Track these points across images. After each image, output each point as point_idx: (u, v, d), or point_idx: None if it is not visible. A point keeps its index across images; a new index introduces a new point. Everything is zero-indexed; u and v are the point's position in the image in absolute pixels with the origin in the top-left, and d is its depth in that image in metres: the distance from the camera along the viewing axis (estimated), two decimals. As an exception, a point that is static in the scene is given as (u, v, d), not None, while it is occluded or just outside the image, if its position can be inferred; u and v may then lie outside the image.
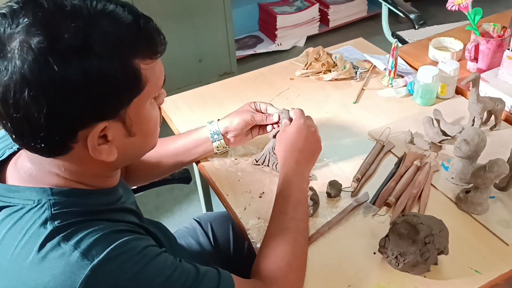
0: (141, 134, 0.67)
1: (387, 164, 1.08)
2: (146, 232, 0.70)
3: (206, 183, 1.46)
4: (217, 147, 1.02)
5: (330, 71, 1.38)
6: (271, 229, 0.81)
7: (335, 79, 1.37)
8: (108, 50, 0.57)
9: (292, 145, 0.89)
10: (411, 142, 1.12)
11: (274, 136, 1.03)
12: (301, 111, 0.95)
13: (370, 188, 1.00)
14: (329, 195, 0.98)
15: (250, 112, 1.01)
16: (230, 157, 1.09)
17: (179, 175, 1.26)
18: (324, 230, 0.91)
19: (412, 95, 1.30)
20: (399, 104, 1.28)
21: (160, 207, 2.09)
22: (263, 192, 1.00)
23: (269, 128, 1.04)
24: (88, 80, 0.57)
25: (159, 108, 0.71)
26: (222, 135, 1.01)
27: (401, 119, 1.21)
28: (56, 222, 0.61)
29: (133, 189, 1.19)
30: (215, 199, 1.19)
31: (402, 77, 1.34)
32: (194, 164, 1.17)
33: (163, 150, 1.03)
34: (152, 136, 0.70)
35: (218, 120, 1.03)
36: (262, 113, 1.02)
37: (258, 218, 0.93)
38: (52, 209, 0.62)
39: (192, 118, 1.24)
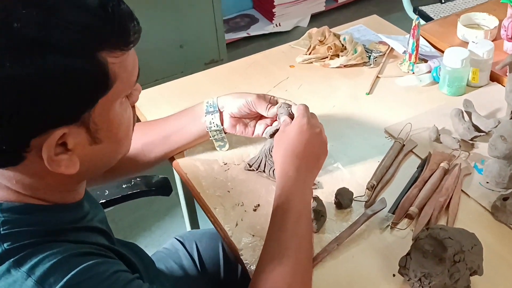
0: (109, 141, 0.66)
1: (408, 167, 1.08)
2: (116, 255, 0.70)
3: (190, 195, 1.45)
4: (210, 122, 1.04)
5: (338, 56, 1.39)
6: (268, 249, 0.81)
7: (344, 66, 1.37)
8: (68, 43, 0.57)
9: (293, 148, 0.89)
10: (437, 140, 1.13)
11: (272, 136, 1.03)
12: (306, 107, 0.96)
13: (388, 197, 1.00)
14: (338, 206, 0.99)
15: (257, 97, 1.02)
16: (218, 161, 1.09)
17: (158, 184, 1.27)
18: (332, 248, 0.91)
19: (437, 83, 1.30)
20: (421, 94, 1.28)
21: (136, 224, 2.09)
22: (258, 205, 1.00)
23: (259, 129, 1.06)
24: (42, 79, 0.56)
25: (133, 107, 0.71)
26: (218, 110, 1.03)
27: (424, 113, 1.22)
28: (5, 244, 0.61)
29: (103, 203, 1.19)
30: (201, 214, 1.19)
31: (426, 61, 1.35)
32: (175, 173, 1.17)
33: (151, 132, 1.05)
34: (123, 142, 0.70)
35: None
36: (270, 104, 1.04)
37: (253, 235, 0.94)
38: (1, 229, 0.62)
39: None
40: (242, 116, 1.05)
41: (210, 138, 1.07)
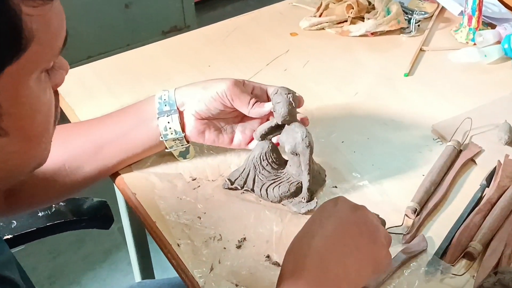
0: (17, 134, 0.66)
1: (468, 183, 1.08)
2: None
3: (141, 228, 1.45)
4: (166, 128, 1.04)
5: (362, 19, 1.39)
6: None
7: (372, 34, 1.38)
8: None
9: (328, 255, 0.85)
10: (510, 143, 1.13)
11: (264, 138, 1.03)
12: (347, 201, 0.89)
13: (438, 227, 1.00)
14: (364, 240, 0.99)
15: (233, 85, 1.02)
16: (183, 176, 1.09)
17: (92, 211, 1.26)
18: None
19: (510, 59, 1.31)
20: (487, 75, 1.29)
21: (59, 274, 2.07)
22: (244, 239, 1.00)
23: (241, 137, 1.06)
24: None
25: (56, 93, 0.71)
26: (177, 109, 1.04)
27: (491, 103, 1.22)
28: None
29: (8, 239, 1.18)
30: (157, 256, 1.18)
31: (493, 27, 1.36)
32: (119, 193, 1.16)
33: (78, 140, 1.04)
34: (39, 140, 0.69)
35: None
36: (255, 98, 1.03)
37: (236, 285, 0.93)
38: None
39: (112, 107, 1.23)
40: (214, 117, 1.04)
41: (167, 150, 1.07)
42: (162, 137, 1.04)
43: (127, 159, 1.07)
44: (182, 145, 1.07)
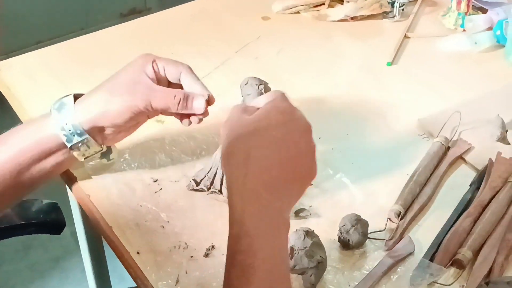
0: None
1: (456, 183, 1.09)
2: None
3: (97, 232, 1.44)
4: (84, 154, 1.02)
5: (341, 2, 1.39)
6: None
7: (352, 18, 1.38)
8: None
9: (264, 149, 0.88)
10: (503, 139, 1.14)
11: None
12: (282, 93, 0.94)
13: (424, 232, 1.01)
14: (344, 245, 0.98)
15: (143, 86, 1.00)
16: (143, 177, 1.08)
17: (41, 215, 1.25)
18: None
19: (503, 46, 1.32)
20: (477, 65, 1.29)
21: (4, 285, 2.06)
22: (213, 247, 0.99)
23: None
24: None
25: None
26: (88, 132, 1.00)
27: (482, 96, 1.23)
28: None
29: None
30: (114, 263, 1.17)
31: (484, 11, 1.37)
32: (71, 196, 1.15)
33: None
34: None
35: (75, 96, 1.01)
36: (171, 85, 1.02)
37: (205, 297, 0.93)
38: None
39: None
40: (129, 125, 1.02)
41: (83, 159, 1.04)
42: (82, 158, 1.03)
43: (35, 184, 1.04)
44: (92, 149, 1.04)
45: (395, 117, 1.20)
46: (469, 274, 0.95)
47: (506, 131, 1.14)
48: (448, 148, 1.13)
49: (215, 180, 1.05)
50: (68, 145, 1.00)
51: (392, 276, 0.95)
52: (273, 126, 0.87)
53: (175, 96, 0.99)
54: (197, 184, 1.06)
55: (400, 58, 1.31)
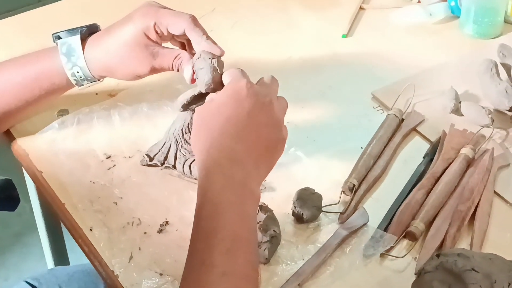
0: None
1: (409, 156, 1.10)
2: None
3: (53, 212, 1.43)
4: (79, 78, 1.07)
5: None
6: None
7: (307, -10, 1.38)
8: None
9: (225, 128, 0.89)
10: (456, 111, 1.15)
11: (186, 108, 1.03)
12: (239, 70, 0.96)
13: (377, 204, 1.02)
14: (298, 219, 0.99)
15: (146, 52, 1.03)
16: (96, 153, 1.08)
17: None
18: None
19: (457, 18, 1.33)
20: (431, 37, 1.30)
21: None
22: (167, 222, 1.00)
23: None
24: None
25: None
26: (90, 73, 1.06)
27: (436, 67, 1.24)
28: None
29: None
30: (72, 240, 1.17)
31: (439, -17, 1.37)
32: (26, 174, 1.14)
33: None
34: None
35: (82, 33, 1.05)
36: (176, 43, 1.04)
37: (160, 274, 0.93)
38: None
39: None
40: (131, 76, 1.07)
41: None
42: (74, 81, 1.07)
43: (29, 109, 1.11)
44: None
45: (349, 90, 1.21)
46: (422, 246, 0.97)
47: (460, 102, 1.15)
48: (402, 120, 1.14)
49: (169, 155, 1.06)
50: (79, 88, 1.08)
51: (345, 248, 0.96)
52: (234, 104, 0.89)
53: (178, 58, 1.04)
54: (151, 159, 1.06)
55: (355, 30, 1.32)
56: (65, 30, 1.07)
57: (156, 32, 1.03)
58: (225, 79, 0.96)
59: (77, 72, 1.05)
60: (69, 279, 1.22)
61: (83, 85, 1.07)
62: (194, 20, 1.03)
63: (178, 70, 1.04)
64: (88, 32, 1.07)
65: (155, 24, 1.02)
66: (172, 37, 1.06)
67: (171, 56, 1.03)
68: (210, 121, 0.90)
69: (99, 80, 1.09)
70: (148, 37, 1.03)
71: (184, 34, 1.03)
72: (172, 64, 1.03)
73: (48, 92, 1.07)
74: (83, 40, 1.05)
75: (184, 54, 1.03)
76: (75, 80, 1.06)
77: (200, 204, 0.85)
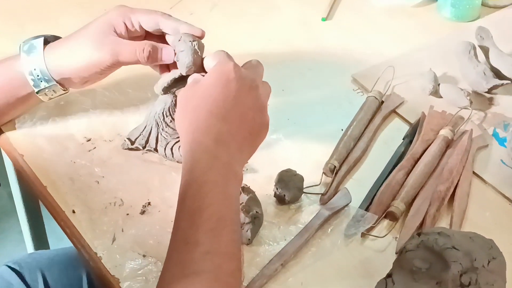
0: None
1: (390, 137, 1.12)
2: None
3: (33, 196, 1.43)
4: (49, 97, 1.06)
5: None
6: (168, 277, 0.82)
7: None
8: None
9: (211, 109, 0.89)
10: (435, 93, 1.16)
11: (166, 91, 1.03)
12: (225, 53, 0.96)
13: (358, 185, 1.03)
14: (280, 200, 1.00)
15: (110, 41, 1.02)
16: (76, 136, 1.08)
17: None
18: (273, 271, 0.91)
19: (436, 1, 1.34)
20: (410, 19, 1.32)
21: None
22: (149, 203, 1.00)
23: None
24: None
25: None
26: (56, 81, 1.04)
27: (415, 50, 1.25)
28: None
29: None
30: (52, 224, 1.17)
31: (417, -34, 1.38)
32: (5, 155, 1.14)
33: None
34: None
35: (46, 40, 1.04)
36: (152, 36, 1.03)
37: (143, 255, 0.94)
38: None
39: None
40: (100, 77, 1.06)
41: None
42: (33, 85, 1.04)
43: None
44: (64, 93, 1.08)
45: (330, 73, 1.22)
46: (402, 226, 0.98)
47: (438, 84, 1.17)
48: (382, 102, 1.15)
49: (150, 138, 1.06)
50: (36, 90, 1.04)
51: (327, 229, 0.98)
52: (221, 86, 0.90)
53: (143, 49, 1.01)
54: (132, 143, 1.06)
55: (335, 13, 1.33)
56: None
57: (127, 27, 1.03)
58: (211, 62, 0.97)
59: (34, 69, 1.02)
60: (50, 263, 1.22)
61: (40, 87, 1.03)
62: (166, 14, 1.04)
63: (145, 62, 1.02)
64: (54, 39, 1.06)
65: (126, 19, 1.03)
66: (145, 37, 1.05)
67: (134, 45, 1.02)
68: (196, 102, 0.91)
69: (65, 90, 1.06)
70: (114, 30, 1.02)
71: (159, 33, 1.04)
72: (137, 54, 1.01)
73: (11, 96, 1.05)
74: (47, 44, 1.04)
75: (148, 43, 1.02)
76: (32, 79, 1.03)
77: (184, 183, 0.86)
